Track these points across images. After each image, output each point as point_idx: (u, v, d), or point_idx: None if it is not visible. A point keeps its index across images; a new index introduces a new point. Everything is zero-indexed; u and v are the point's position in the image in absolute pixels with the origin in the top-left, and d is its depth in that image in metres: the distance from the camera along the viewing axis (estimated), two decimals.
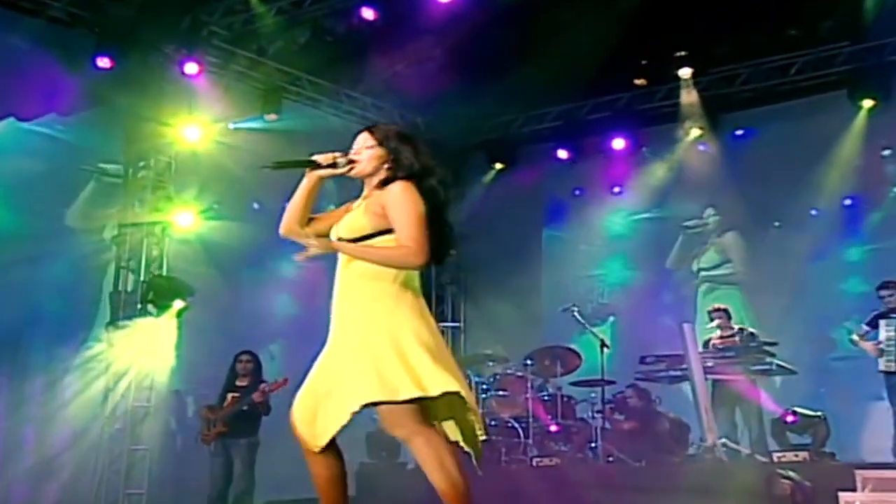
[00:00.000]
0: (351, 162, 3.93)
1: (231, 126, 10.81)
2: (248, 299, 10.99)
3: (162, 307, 9.70)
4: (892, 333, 8.54)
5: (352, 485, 9.49)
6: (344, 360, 3.75)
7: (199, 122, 10.36)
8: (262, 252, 10.29)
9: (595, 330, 9.72)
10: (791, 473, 7.06)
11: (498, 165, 13.10)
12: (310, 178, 3.98)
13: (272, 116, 11.18)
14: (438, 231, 3.84)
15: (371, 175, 3.93)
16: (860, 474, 6.54)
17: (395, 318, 3.77)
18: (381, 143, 3.93)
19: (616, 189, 12.36)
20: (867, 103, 10.55)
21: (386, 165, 3.90)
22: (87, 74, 9.77)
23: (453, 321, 12.21)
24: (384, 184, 3.85)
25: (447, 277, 13.00)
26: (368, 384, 3.65)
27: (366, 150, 3.94)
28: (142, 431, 9.45)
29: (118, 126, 10.30)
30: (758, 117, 11.37)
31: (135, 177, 10.23)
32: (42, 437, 9.28)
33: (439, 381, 3.68)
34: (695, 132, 11.55)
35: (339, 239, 3.86)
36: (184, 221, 9.97)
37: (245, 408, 8.43)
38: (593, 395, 9.39)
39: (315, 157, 3.97)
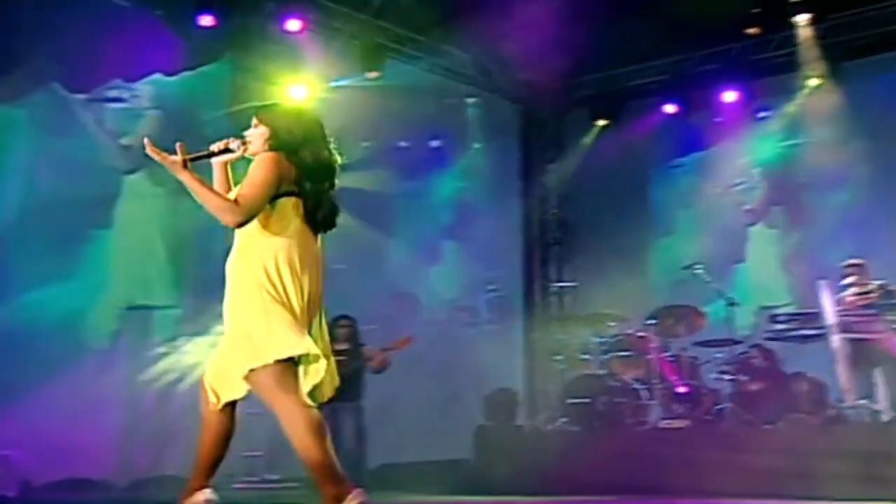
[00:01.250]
0: (244, 144, 4.21)
1: (332, 84, 10.55)
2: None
3: None
4: None
5: (469, 447, 9.34)
6: (231, 323, 4.06)
7: (302, 80, 10.16)
8: None
9: (720, 288, 9.30)
10: None
11: (601, 122, 12.69)
12: (216, 167, 4.29)
13: (373, 74, 10.92)
14: (314, 200, 4.12)
15: (260, 153, 4.13)
16: None
17: (267, 278, 3.97)
18: (264, 123, 4.22)
19: (728, 144, 11.81)
20: None
21: (269, 142, 4.15)
22: (191, 33, 9.64)
23: (566, 281, 11.86)
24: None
25: (552, 237, 12.71)
26: (245, 351, 3.96)
27: (254, 131, 4.23)
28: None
29: (222, 85, 10.14)
30: (884, 65, 10.75)
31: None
32: (163, 402, 9.22)
33: (294, 343, 3.97)
34: (813, 82, 11.00)
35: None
36: None
37: (350, 371, 8.30)
38: (719, 355, 9.02)
39: (212, 147, 4.23)
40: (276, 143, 4.13)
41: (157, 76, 9.60)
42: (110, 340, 9.13)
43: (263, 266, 3.97)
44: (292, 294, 4.00)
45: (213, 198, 3.97)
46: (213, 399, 4.13)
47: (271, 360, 3.93)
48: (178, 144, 4.01)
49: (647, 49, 11.98)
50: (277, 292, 3.97)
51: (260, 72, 10.19)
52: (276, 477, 9.53)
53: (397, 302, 10.19)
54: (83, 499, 8.10)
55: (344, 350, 8.49)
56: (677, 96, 12.14)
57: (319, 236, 4.21)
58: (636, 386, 9.02)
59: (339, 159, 4.28)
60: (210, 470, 4.24)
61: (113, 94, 9.45)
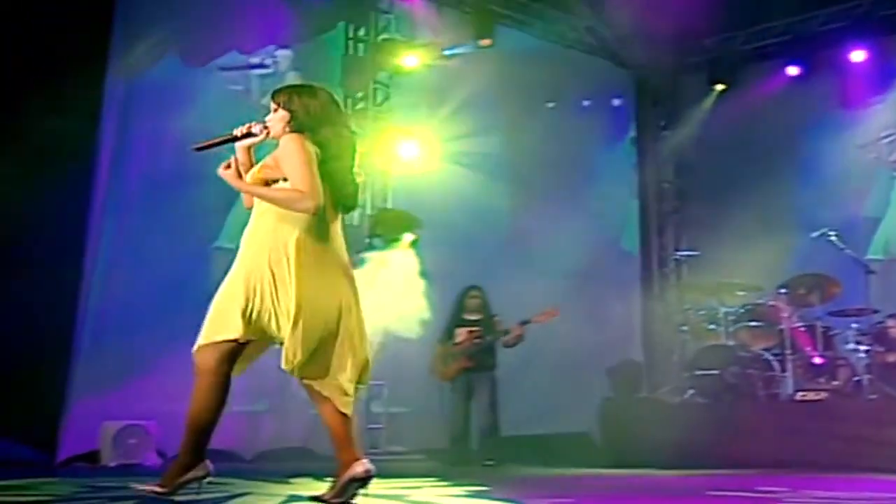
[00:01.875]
0: (265, 128, 4.27)
1: (446, 52, 10.39)
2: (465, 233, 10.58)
3: (390, 241, 9.46)
4: None
5: (595, 419, 9.14)
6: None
7: (415, 50, 10.04)
8: None
9: (856, 255, 8.87)
10: None
11: (719, 87, 12.27)
12: (239, 151, 4.34)
13: (486, 42, 10.71)
14: (339, 179, 4.22)
15: (282, 136, 4.22)
16: None
17: (263, 258, 4.11)
18: (282, 106, 4.26)
19: (857, 107, 11.27)
20: None
21: (290, 124, 4.22)
22: (304, 5, 9.60)
23: (687, 250, 11.49)
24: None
25: (669, 207, 12.36)
26: (210, 322, 4.22)
27: (273, 115, 4.29)
28: (377, 365, 9.23)
29: (335, 56, 10.08)
30: None
31: (354, 108, 9.99)
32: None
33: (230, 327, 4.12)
34: None
35: None
36: (407, 153, 9.66)
37: (484, 342, 8.18)
38: (855, 325, 8.63)
39: (234, 132, 4.31)
40: (297, 125, 4.21)
41: (272, 48, 9.52)
42: None
43: (269, 253, 4.11)
44: (288, 286, 4.07)
45: (279, 193, 4.11)
46: None
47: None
48: (225, 164, 4.25)
49: (768, 8, 11.57)
50: (263, 281, 4.09)
51: (373, 42, 10.11)
52: (399, 448, 9.49)
53: (521, 270, 9.98)
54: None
55: (476, 321, 8.38)
56: (801, 58, 11.69)
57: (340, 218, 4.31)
58: (768, 357, 8.67)
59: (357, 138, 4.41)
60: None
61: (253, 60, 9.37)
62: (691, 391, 9.00)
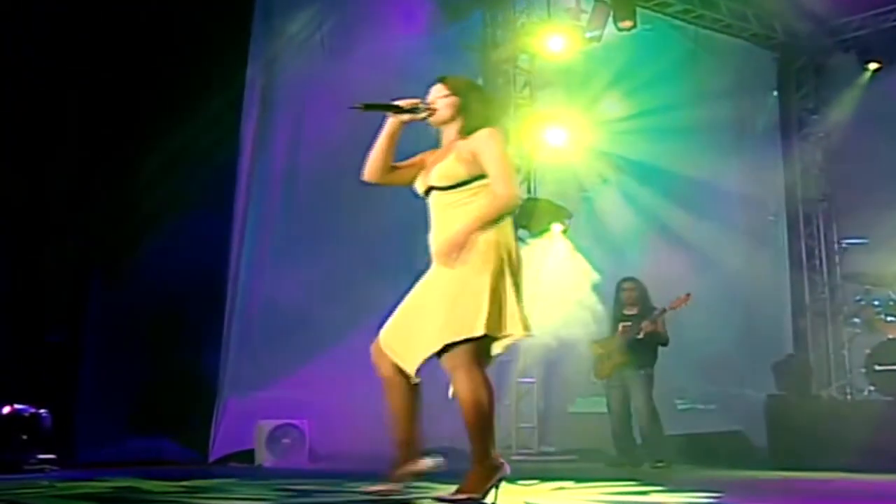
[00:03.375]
0: (429, 109, 4.09)
1: (587, 35, 9.96)
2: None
3: (537, 232, 9.09)
4: None
5: (761, 417, 8.57)
6: (437, 293, 3.96)
7: (558, 31, 9.64)
8: None
9: None
10: None
11: (872, 66, 11.57)
12: (393, 124, 4.14)
13: (627, 24, 10.25)
14: None
15: (446, 123, 4.13)
16: None
17: (486, 255, 3.91)
18: (454, 93, 4.11)
19: None
20: None
21: (461, 114, 4.09)
22: None
23: (849, 238, 10.77)
24: (467, 132, 4.05)
25: (817, 193, 11.68)
26: (450, 322, 3.87)
27: (441, 100, 4.11)
28: (529, 362, 8.89)
29: (473, 39, 9.77)
30: None
31: (494, 92, 9.65)
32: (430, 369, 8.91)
33: (512, 324, 3.91)
34: None
35: (433, 187, 4.07)
36: (554, 139, 9.26)
37: (640, 336, 7.72)
38: None
39: (398, 102, 4.09)
40: (472, 118, 4.10)
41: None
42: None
43: (496, 244, 3.93)
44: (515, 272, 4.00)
45: (492, 211, 3.94)
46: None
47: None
48: (451, 246, 3.95)
49: None
50: (505, 267, 3.95)
51: (512, 25, 9.78)
52: (551, 449, 9.10)
53: (673, 258, 9.52)
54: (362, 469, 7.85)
55: (634, 314, 7.95)
56: None
57: None
58: None
59: None
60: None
61: None
62: (871, 388, 8.37)
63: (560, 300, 8.73)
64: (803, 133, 11.85)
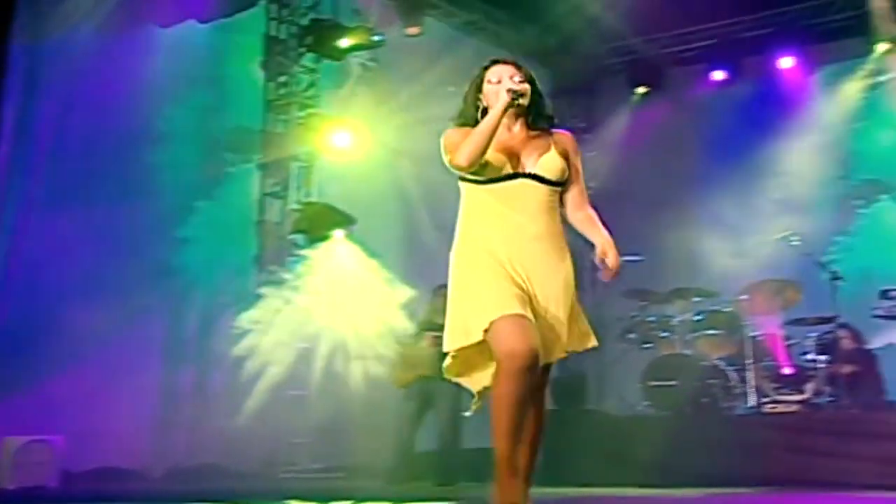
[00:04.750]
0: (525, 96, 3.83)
1: (374, 38, 9.66)
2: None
3: (317, 238, 8.69)
4: None
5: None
6: (565, 298, 3.77)
7: (345, 34, 9.30)
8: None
9: (822, 260, 8.45)
10: None
11: (641, 90, 11.95)
12: (505, 109, 3.75)
13: (413, 30, 10.08)
14: None
15: (523, 112, 3.85)
16: None
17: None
18: (528, 81, 3.85)
19: (785, 114, 11.00)
20: None
21: (532, 106, 3.84)
22: None
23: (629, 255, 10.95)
24: (549, 126, 3.88)
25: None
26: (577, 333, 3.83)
27: (524, 86, 3.82)
28: (303, 372, 8.47)
29: (255, 36, 9.27)
30: None
31: (276, 92, 9.19)
32: (200, 379, 8.35)
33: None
34: (883, 47, 10.34)
35: (537, 177, 3.79)
36: (340, 141, 8.87)
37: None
38: (813, 334, 8.30)
39: (514, 88, 3.77)
40: (538, 111, 3.89)
41: (192, 22, 8.63)
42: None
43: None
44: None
45: (602, 228, 3.88)
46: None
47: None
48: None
49: (692, 12, 11.29)
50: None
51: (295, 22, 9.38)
52: (319, 466, 8.68)
53: None
54: (119, 490, 7.18)
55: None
56: (726, 63, 11.46)
57: None
58: (728, 367, 8.25)
59: None
60: None
61: None
62: (645, 403, 8.50)
63: (345, 306, 8.38)
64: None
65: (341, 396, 8.55)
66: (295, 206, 8.92)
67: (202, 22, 8.69)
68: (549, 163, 3.79)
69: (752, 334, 8.27)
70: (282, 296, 8.33)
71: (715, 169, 10.66)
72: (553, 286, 3.73)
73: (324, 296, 8.35)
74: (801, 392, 7.96)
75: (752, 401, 8.02)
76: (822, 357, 8.10)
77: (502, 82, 3.79)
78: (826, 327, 8.37)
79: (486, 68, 3.91)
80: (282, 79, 9.23)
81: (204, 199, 8.50)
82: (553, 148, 3.82)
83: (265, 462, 8.46)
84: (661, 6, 10.65)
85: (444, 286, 7.51)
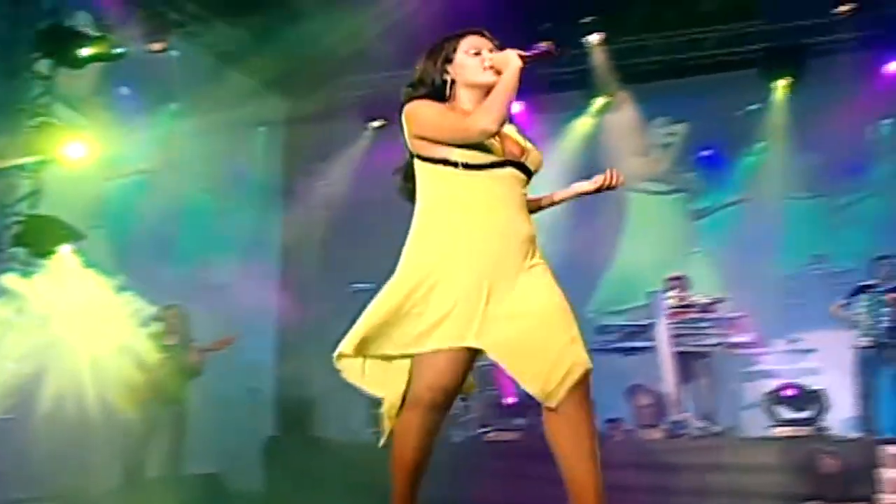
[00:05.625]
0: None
1: (116, 51, 9.31)
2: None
3: (43, 253, 8.25)
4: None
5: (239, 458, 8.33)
6: (561, 311, 3.40)
7: (83, 41, 8.91)
8: None
9: None
10: (832, 450, 6.77)
11: (375, 124, 12.15)
12: (519, 69, 3.41)
13: (158, 46, 9.84)
14: None
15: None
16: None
17: None
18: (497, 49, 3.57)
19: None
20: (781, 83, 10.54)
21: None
22: None
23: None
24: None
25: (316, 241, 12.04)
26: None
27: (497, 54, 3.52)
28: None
29: None
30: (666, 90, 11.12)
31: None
32: None
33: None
34: (600, 101, 11.23)
35: (528, 171, 3.50)
36: (74, 153, 8.46)
37: (178, 369, 7.33)
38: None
39: (525, 54, 3.46)
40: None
41: None
42: None
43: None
44: None
45: None
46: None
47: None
48: None
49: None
50: None
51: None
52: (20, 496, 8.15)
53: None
54: None
55: (173, 344, 7.46)
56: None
57: None
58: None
59: None
60: None
61: None
62: (372, 430, 8.65)
63: (67, 325, 7.98)
64: (308, 180, 12.12)
65: (63, 420, 8.12)
66: (16, 219, 8.41)
67: None
68: (538, 158, 3.53)
69: (478, 364, 8.60)
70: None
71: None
72: (540, 294, 3.43)
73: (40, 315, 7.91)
74: (522, 420, 8.40)
75: (475, 429, 8.38)
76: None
77: (481, 54, 3.48)
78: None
79: (454, 39, 3.56)
80: (11, 84, 8.71)
81: None
82: (527, 142, 3.56)
83: None
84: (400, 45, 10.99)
85: (170, 306, 7.49)
